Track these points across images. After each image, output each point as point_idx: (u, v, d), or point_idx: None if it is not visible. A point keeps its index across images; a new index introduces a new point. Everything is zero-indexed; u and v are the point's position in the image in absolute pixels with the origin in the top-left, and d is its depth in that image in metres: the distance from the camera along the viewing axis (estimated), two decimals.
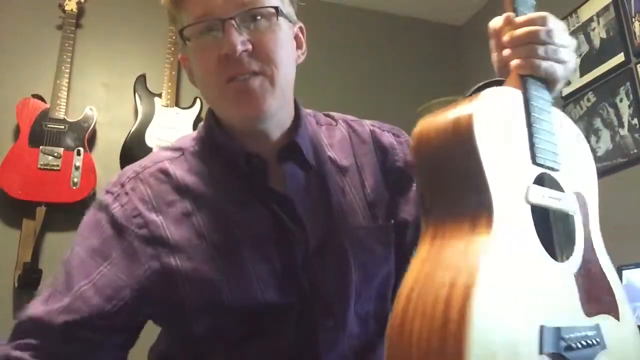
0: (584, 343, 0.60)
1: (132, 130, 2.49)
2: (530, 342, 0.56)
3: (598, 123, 2.33)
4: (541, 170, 0.65)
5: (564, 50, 0.73)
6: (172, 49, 2.66)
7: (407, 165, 0.91)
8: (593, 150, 2.34)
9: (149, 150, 2.46)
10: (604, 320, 0.64)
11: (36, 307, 0.77)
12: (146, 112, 2.55)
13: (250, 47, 0.76)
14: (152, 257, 0.78)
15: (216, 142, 0.86)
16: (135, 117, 2.54)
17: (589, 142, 2.37)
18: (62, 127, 2.40)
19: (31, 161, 2.29)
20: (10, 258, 2.24)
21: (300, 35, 0.90)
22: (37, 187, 2.27)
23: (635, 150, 2.15)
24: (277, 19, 0.79)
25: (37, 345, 0.74)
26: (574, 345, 0.59)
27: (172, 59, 2.65)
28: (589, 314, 0.62)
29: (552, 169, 0.66)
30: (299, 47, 0.89)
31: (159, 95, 2.59)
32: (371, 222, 0.86)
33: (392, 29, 3.24)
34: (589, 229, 0.67)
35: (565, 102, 2.51)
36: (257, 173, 0.82)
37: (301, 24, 0.90)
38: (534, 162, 0.65)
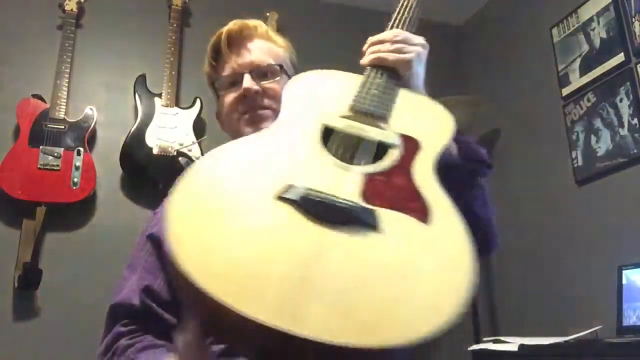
0: (332, 204, 0.61)
1: (132, 130, 2.49)
2: (267, 188, 0.63)
3: (598, 123, 2.33)
4: (358, 110, 0.84)
5: (409, 47, 0.97)
6: (172, 49, 2.66)
7: None
8: (593, 150, 2.34)
9: (149, 150, 2.46)
10: (391, 214, 0.63)
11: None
12: (146, 112, 2.55)
13: (260, 89, 1.04)
14: None
15: None
16: (135, 117, 2.54)
17: (589, 142, 2.39)
18: (62, 127, 2.40)
19: (31, 161, 2.29)
20: (10, 258, 2.24)
21: None
22: (37, 187, 2.27)
23: (635, 150, 2.14)
24: (281, 74, 1.07)
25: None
26: (316, 199, 0.62)
27: (172, 59, 2.65)
28: (371, 204, 0.64)
29: (370, 114, 0.84)
30: None
31: (159, 95, 2.59)
32: None
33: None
34: (410, 161, 0.76)
35: (565, 102, 2.51)
36: None
37: None
38: (352, 107, 0.85)
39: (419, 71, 0.98)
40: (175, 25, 2.72)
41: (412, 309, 0.53)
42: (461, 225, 0.64)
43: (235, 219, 0.60)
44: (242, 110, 1.04)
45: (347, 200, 0.63)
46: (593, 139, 2.35)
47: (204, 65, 1.15)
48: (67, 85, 2.47)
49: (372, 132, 0.80)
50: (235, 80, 1.06)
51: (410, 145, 0.78)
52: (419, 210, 0.66)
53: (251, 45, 1.09)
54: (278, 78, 1.06)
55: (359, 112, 0.84)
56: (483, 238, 0.92)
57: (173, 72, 2.63)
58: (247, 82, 1.03)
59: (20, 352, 2.17)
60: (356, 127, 0.80)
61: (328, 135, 0.80)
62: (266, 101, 1.03)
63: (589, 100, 2.39)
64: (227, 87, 1.08)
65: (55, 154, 2.33)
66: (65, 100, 2.44)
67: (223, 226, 0.59)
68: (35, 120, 2.36)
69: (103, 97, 2.62)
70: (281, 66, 1.08)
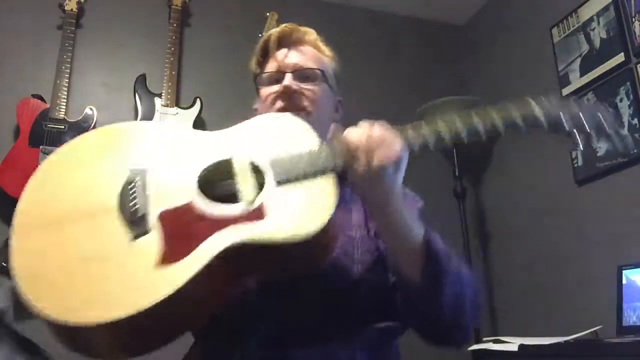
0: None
1: None
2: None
3: None
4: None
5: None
6: (172, 49, 2.66)
7: None
8: (593, 150, 2.34)
9: None
10: (153, 238, 0.81)
11: None
12: (146, 112, 2.55)
13: (299, 89, 1.06)
14: None
15: None
16: (135, 117, 2.54)
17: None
18: (62, 127, 2.40)
19: (31, 161, 2.29)
20: None
21: (339, 105, 1.17)
22: None
23: (635, 150, 2.14)
24: (322, 81, 1.10)
25: None
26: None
27: (172, 59, 2.65)
28: (159, 221, 0.83)
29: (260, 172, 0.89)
30: (336, 110, 1.16)
31: (159, 95, 2.59)
32: (364, 233, 1.03)
33: (392, 28, 3.24)
34: (232, 223, 0.82)
35: None
36: None
37: (341, 99, 1.18)
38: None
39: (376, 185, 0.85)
40: (175, 25, 2.71)
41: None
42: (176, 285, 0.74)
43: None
44: (279, 107, 1.06)
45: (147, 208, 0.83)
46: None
47: (250, 62, 1.18)
48: (67, 85, 2.46)
49: (244, 182, 0.85)
50: (277, 78, 1.09)
51: (252, 215, 0.82)
52: (173, 253, 0.78)
53: (298, 48, 1.13)
54: (318, 83, 1.09)
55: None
56: (449, 331, 0.95)
57: (173, 72, 2.63)
58: (288, 80, 1.07)
59: None
60: (241, 172, 0.87)
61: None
62: (303, 102, 1.06)
63: (589, 100, 2.39)
64: (268, 83, 1.11)
65: None
66: (65, 100, 2.44)
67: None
68: (35, 120, 2.36)
69: (103, 97, 2.62)
70: (323, 72, 1.11)
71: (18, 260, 0.79)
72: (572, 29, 2.52)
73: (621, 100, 2.22)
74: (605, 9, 2.34)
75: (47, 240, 0.81)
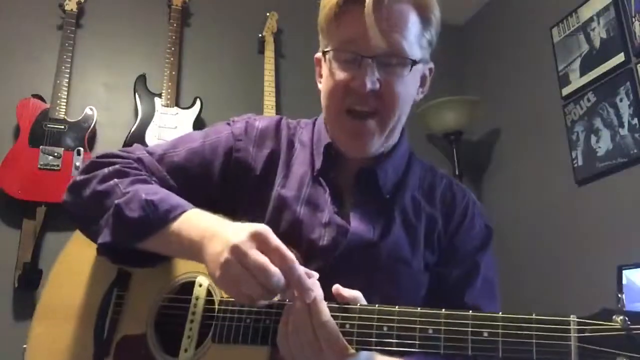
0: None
1: (132, 130, 2.49)
2: None
3: (598, 123, 2.33)
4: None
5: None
6: (172, 49, 2.66)
7: (465, 248, 0.98)
8: (593, 151, 2.34)
9: None
10: None
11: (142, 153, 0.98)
12: (146, 112, 2.55)
13: (377, 87, 0.87)
14: (232, 171, 0.98)
15: (317, 136, 1.01)
16: (135, 117, 2.54)
17: (589, 142, 2.38)
18: (62, 127, 2.40)
19: (31, 161, 2.29)
20: (10, 258, 2.24)
21: (427, 74, 1.01)
22: (37, 187, 2.27)
23: (635, 150, 2.14)
24: (411, 70, 0.90)
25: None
26: None
27: (172, 59, 2.65)
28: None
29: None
30: (422, 85, 1.00)
31: (159, 95, 2.59)
32: (415, 264, 0.94)
33: None
34: None
35: (565, 102, 2.51)
36: (329, 165, 0.96)
37: (432, 65, 1.01)
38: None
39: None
40: (175, 25, 2.71)
41: None
42: None
43: None
44: (346, 106, 0.90)
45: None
46: (593, 139, 2.35)
47: (323, 11, 0.91)
48: (67, 85, 2.46)
49: (189, 327, 0.85)
50: (354, 59, 0.87)
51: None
52: None
53: (392, 12, 0.86)
54: (403, 73, 0.89)
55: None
56: None
57: (173, 72, 2.63)
58: (365, 75, 0.86)
59: (20, 352, 2.17)
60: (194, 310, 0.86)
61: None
62: (376, 104, 0.89)
63: (589, 100, 2.39)
64: (340, 60, 0.90)
65: (56, 154, 2.33)
66: (65, 100, 2.44)
67: None
68: (35, 120, 2.36)
69: (103, 97, 2.62)
70: (414, 62, 0.90)
71: (29, 351, 0.95)
72: (572, 29, 2.52)
73: (621, 100, 2.22)
74: (605, 9, 2.34)
75: (46, 330, 0.94)
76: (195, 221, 0.81)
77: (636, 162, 2.14)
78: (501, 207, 2.92)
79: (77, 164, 2.35)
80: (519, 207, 2.77)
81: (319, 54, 0.98)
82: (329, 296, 0.75)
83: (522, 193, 2.76)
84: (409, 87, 0.93)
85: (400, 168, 1.00)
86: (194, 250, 0.78)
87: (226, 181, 0.97)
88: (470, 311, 0.68)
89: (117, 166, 0.91)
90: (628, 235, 2.13)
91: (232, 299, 0.81)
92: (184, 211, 0.82)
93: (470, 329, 0.66)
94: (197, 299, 0.86)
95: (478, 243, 0.99)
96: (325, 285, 0.77)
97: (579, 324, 0.63)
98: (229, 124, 1.03)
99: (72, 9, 2.57)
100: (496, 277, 1.02)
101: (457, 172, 2.80)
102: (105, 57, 2.68)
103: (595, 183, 2.34)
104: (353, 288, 0.77)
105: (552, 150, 2.58)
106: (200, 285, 0.86)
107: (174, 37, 2.69)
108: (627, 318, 0.62)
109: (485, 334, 0.66)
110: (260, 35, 2.88)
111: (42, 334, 0.94)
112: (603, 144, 2.30)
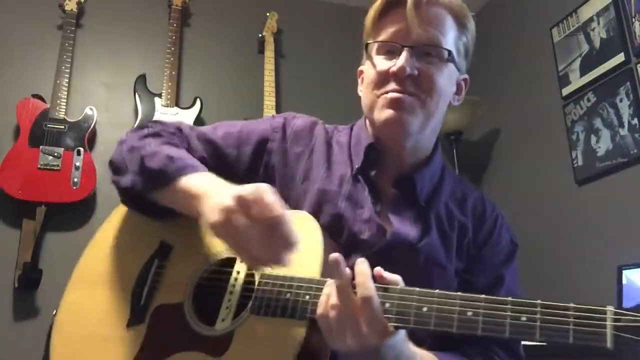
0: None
1: None
2: None
3: (598, 123, 2.33)
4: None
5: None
6: (172, 48, 2.66)
7: (492, 261, 1.02)
8: (593, 151, 2.34)
9: None
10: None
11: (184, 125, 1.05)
12: (146, 112, 2.55)
13: (415, 73, 0.92)
14: (265, 160, 1.01)
15: (355, 139, 1.04)
16: (135, 117, 2.54)
17: (589, 142, 2.38)
18: (62, 127, 2.40)
19: (31, 161, 2.29)
20: (10, 258, 2.24)
21: (463, 85, 1.05)
22: (37, 187, 2.27)
23: (635, 150, 2.14)
24: (447, 62, 0.95)
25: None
26: None
27: (172, 59, 2.65)
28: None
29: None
30: (457, 93, 1.04)
31: (159, 95, 2.59)
32: (449, 269, 0.97)
33: None
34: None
35: (565, 102, 2.51)
36: (368, 165, 0.99)
37: (467, 77, 1.05)
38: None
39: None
40: (175, 25, 2.72)
41: None
42: None
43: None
44: (385, 89, 0.94)
45: None
46: (593, 139, 2.35)
47: (368, 16, 0.99)
48: (67, 85, 2.47)
49: (227, 299, 0.86)
50: (392, 49, 0.94)
51: (217, 345, 0.83)
52: (144, 357, 0.86)
53: (430, 13, 0.95)
54: (442, 64, 0.95)
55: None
56: None
57: (173, 72, 2.63)
58: (404, 60, 0.91)
59: (20, 352, 2.17)
60: (234, 283, 0.88)
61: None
62: (414, 88, 0.92)
63: (589, 100, 2.39)
64: (381, 53, 0.96)
65: (56, 154, 2.33)
66: (65, 100, 2.44)
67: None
68: (35, 120, 2.36)
69: (103, 97, 2.62)
70: (450, 52, 0.96)
71: (59, 315, 0.95)
72: (572, 29, 2.52)
73: (621, 100, 2.22)
74: (605, 9, 2.34)
75: (81, 296, 0.95)
76: (204, 179, 0.86)
77: (636, 162, 2.14)
78: (501, 207, 2.91)
79: (77, 164, 2.35)
80: (519, 207, 2.76)
81: (362, 67, 1.04)
82: None
83: (522, 193, 2.76)
84: (446, 82, 0.96)
85: (435, 177, 1.04)
86: (194, 202, 0.81)
87: (254, 169, 1.00)
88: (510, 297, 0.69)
89: (156, 129, 0.99)
90: (628, 235, 2.13)
91: (274, 274, 0.83)
92: (197, 171, 0.88)
93: (509, 314, 0.68)
94: (238, 272, 0.87)
95: (504, 257, 1.03)
96: None
97: (615, 314, 0.65)
98: (269, 118, 1.08)
99: (72, 9, 2.57)
100: (519, 290, 1.04)
101: (457, 172, 2.80)
102: (105, 57, 2.68)
103: (595, 183, 2.34)
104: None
105: (552, 150, 2.58)
106: (242, 261, 0.87)
107: (174, 37, 2.69)
108: None
109: (524, 319, 0.67)
110: (260, 35, 2.88)
111: (76, 300, 0.95)
112: (603, 144, 2.30)
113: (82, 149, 2.39)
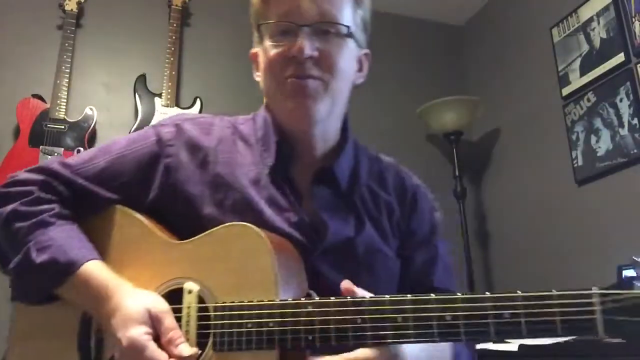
0: None
1: (132, 130, 2.49)
2: None
3: (598, 123, 2.33)
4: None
5: None
6: (172, 48, 2.66)
7: (422, 231, 1.00)
8: (593, 150, 2.34)
9: None
10: None
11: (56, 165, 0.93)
12: (146, 112, 2.55)
13: (316, 54, 0.87)
14: (164, 180, 0.91)
15: (262, 131, 0.96)
16: (135, 117, 2.54)
17: (589, 142, 2.38)
18: (62, 127, 2.40)
19: (31, 161, 2.29)
20: None
21: (365, 60, 1.00)
22: None
23: (635, 150, 2.14)
24: (347, 38, 0.90)
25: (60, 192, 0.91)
26: None
27: (172, 59, 2.65)
28: None
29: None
30: (360, 70, 0.99)
31: (159, 95, 2.59)
32: (389, 252, 0.95)
33: (393, 29, 3.24)
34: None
35: (565, 102, 2.51)
36: (282, 162, 0.92)
37: (368, 51, 1.00)
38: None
39: None
40: (175, 25, 2.72)
41: None
42: None
43: None
44: (287, 74, 0.88)
45: None
46: (593, 139, 2.35)
47: None
48: (67, 85, 2.47)
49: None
50: (288, 30, 0.88)
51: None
52: None
53: None
54: (341, 40, 0.90)
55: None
56: None
57: (173, 72, 2.63)
58: (302, 41, 0.86)
59: None
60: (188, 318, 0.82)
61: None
62: (316, 70, 0.87)
63: (589, 100, 2.39)
64: (276, 35, 0.90)
65: (56, 154, 2.33)
66: (65, 100, 2.44)
67: None
68: (35, 120, 2.37)
69: (103, 97, 2.62)
70: (349, 28, 0.90)
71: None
72: (572, 29, 2.52)
73: (621, 100, 2.22)
74: (605, 9, 2.34)
75: (28, 349, 0.90)
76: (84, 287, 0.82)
77: (636, 162, 2.15)
78: (501, 207, 2.92)
79: None
80: (519, 207, 2.77)
81: (254, 49, 0.98)
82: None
83: (522, 193, 2.76)
84: (347, 60, 0.92)
85: (352, 160, 0.98)
86: (100, 302, 0.80)
87: (159, 190, 0.91)
88: (487, 293, 0.67)
89: (15, 205, 0.87)
90: (628, 235, 2.13)
91: (228, 304, 0.77)
92: (74, 272, 0.82)
93: (490, 312, 0.64)
94: (188, 307, 0.80)
95: (430, 226, 1.02)
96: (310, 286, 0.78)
97: (600, 295, 0.63)
98: (154, 131, 0.95)
99: (72, 9, 2.57)
100: (451, 259, 1.04)
101: (457, 172, 2.80)
102: (105, 57, 2.68)
103: (595, 183, 2.34)
104: (335, 285, 0.77)
105: (552, 150, 2.58)
106: (190, 292, 0.80)
107: (174, 37, 2.69)
108: None
109: (507, 315, 0.64)
110: None
111: (23, 353, 0.90)
112: (603, 144, 2.30)
113: (82, 149, 2.39)
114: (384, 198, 0.98)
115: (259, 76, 0.97)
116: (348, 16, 0.91)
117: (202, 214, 0.87)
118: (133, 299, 0.78)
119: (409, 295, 0.69)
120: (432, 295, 0.68)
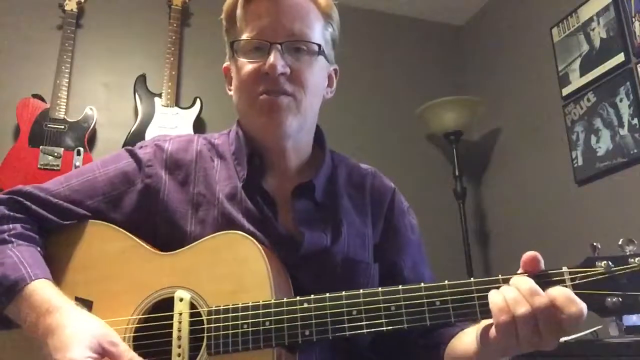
0: None
1: (132, 130, 2.49)
2: None
3: (598, 123, 2.33)
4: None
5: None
6: (172, 48, 2.66)
7: (402, 230, 1.03)
8: (593, 150, 2.34)
9: None
10: None
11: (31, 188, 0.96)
12: (146, 112, 2.55)
13: (288, 71, 0.89)
14: (142, 200, 0.92)
15: (234, 145, 0.99)
16: (135, 117, 2.54)
17: (589, 142, 2.38)
18: (62, 127, 2.40)
19: (31, 161, 2.29)
20: None
21: (334, 76, 1.03)
22: None
23: (635, 150, 2.14)
24: (317, 55, 0.93)
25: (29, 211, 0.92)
26: None
27: (172, 59, 2.65)
28: None
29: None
30: (329, 85, 1.02)
31: (159, 95, 2.59)
32: (364, 258, 0.96)
33: (392, 29, 3.24)
34: None
35: (565, 102, 2.51)
36: (255, 175, 0.94)
37: (337, 67, 1.03)
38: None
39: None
40: (175, 25, 2.72)
41: None
42: None
43: None
44: (260, 91, 0.90)
45: None
46: (593, 139, 2.35)
47: (226, 9, 0.96)
48: (67, 85, 2.47)
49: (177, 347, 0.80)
50: (260, 46, 0.90)
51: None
52: None
53: (294, 6, 0.92)
54: (312, 58, 0.92)
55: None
56: None
57: (173, 72, 2.63)
58: (274, 58, 0.88)
59: None
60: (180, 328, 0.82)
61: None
62: (288, 86, 0.89)
63: (589, 100, 2.39)
64: (248, 51, 0.92)
65: (56, 154, 2.33)
66: (65, 100, 2.44)
67: None
68: (35, 120, 2.36)
69: (103, 97, 2.62)
70: (320, 47, 0.93)
71: None
72: (572, 29, 2.52)
73: (621, 100, 2.22)
74: (605, 9, 2.34)
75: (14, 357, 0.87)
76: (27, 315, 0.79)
77: (636, 162, 2.15)
78: (501, 207, 2.92)
79: (77, 164, 2.35)
80: (519, 207, 2.77)
81: (226, 64, 1.01)
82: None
83: (522, 193, 2.76)
84: (318, 76, 0.95)
85: (328, 170, 1.01)
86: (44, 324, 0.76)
87: (139, 209, 0.92)
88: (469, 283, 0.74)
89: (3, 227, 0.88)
90: (628, 236, 2.12)
91: (222, 307, 0.78)
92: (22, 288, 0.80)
93: (477, 301, 0.74)
94: (180, 314, 0.80)
95: (410, 225, 1.05)
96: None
97: (570, 273, 0.72)
98: (132, 151, 0.98)
99: (72, 9, 2.57)
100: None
101: (457, 172, 2.80)
102: (105, 57, 2.68)
103: (595, 183, 2.34)
104: (313, 293, 0.79)
105: (552, 150, 2.58)
106: (182, 300, 0.81)
107: (174, 37, 2.69)
108: (610, 262, 0.73)
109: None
110: None
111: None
112: (603, 144, 2.30)
113: (82, 149, 2.39)
114: (362, 204, 1.00)
115: (231, 90, 1.00)
116: (319, 34, 0.94)
117: (185, 232, 0.89)
118: (78, 320, 0.75)
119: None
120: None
